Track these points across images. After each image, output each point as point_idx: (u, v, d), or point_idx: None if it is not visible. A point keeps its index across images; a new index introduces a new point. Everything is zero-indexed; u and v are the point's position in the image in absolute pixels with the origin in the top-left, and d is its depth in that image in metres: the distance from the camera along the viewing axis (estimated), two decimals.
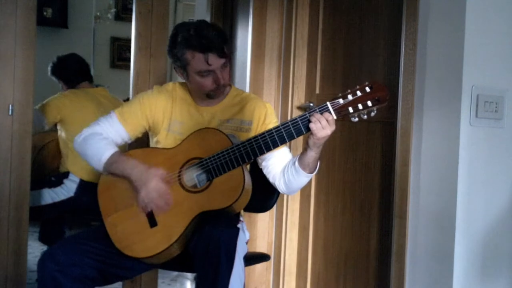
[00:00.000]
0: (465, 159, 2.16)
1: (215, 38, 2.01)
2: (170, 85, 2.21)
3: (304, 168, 1.99)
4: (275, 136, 1.92)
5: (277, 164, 2.10)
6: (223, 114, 2.15)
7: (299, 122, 1.89)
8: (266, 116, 2.16)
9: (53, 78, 3.53)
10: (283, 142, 1.92)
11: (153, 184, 1.94)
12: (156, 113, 2.14)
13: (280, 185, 2.10)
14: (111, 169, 2.02)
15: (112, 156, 2.01)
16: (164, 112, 2.15)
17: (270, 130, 1.92)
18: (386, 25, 2.55)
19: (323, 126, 1.85)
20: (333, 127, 1.87)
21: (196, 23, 2.09)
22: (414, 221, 2.31)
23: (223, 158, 1.94)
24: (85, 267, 1.92)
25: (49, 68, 3.52)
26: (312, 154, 1.95)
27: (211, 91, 2.08)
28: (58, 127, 3.34)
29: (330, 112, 1.85)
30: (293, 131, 1.90)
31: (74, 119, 3.27)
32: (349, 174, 2.72)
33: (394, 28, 2.46)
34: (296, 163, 2.00)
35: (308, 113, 1.87)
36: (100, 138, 2.07)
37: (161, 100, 2.15)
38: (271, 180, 2.13)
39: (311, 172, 2.01)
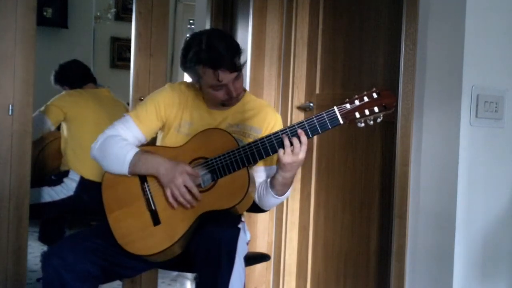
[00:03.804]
0: (465, 159, 2.16)
1: (225, 53, 1.96)
2: (183, 85, 2.19)
3: (272, 188, 2.00)
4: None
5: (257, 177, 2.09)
6: (234, 118, 2.14)
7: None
8: (275, 126, 2.15)
9: (57, 86, 3.56)
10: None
11: (180, 180, 1.91)
12: (171, 112, 2.13)
13: (255, 197, 2.08)
14: (136, 168, 1.98)
15: (136, 154, 1.98)
16: (177, 110, 2.14)
17: (276, 132, 1.92)
18: (386, 25, 2.54)
19: (294, 151, 1.85)
20: (301, 156, 1.87)
21: (207, 34, 2.02)
22: (414, 221, 2.31)
23: (229, 159, 1.93)
24: (89, 264, 1.92)
25: (52, 77, 3.56)
26: (279, 178, 1.96)
27: (225, 101, 2.08)
28: (61, 124, 3.36)
29: (337, 119, 1.84)
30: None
31: (77, 117, 3.31)
32: (349, 174, 2.72)
33: (394, 28, 2.45)
34: (268, 180, 2.01)
35: (295, 125, 1.88)
36: (119, 139, 2.04)
37: (175, 98, 2.14)
38: None
39: (279, 195, 2.01)
